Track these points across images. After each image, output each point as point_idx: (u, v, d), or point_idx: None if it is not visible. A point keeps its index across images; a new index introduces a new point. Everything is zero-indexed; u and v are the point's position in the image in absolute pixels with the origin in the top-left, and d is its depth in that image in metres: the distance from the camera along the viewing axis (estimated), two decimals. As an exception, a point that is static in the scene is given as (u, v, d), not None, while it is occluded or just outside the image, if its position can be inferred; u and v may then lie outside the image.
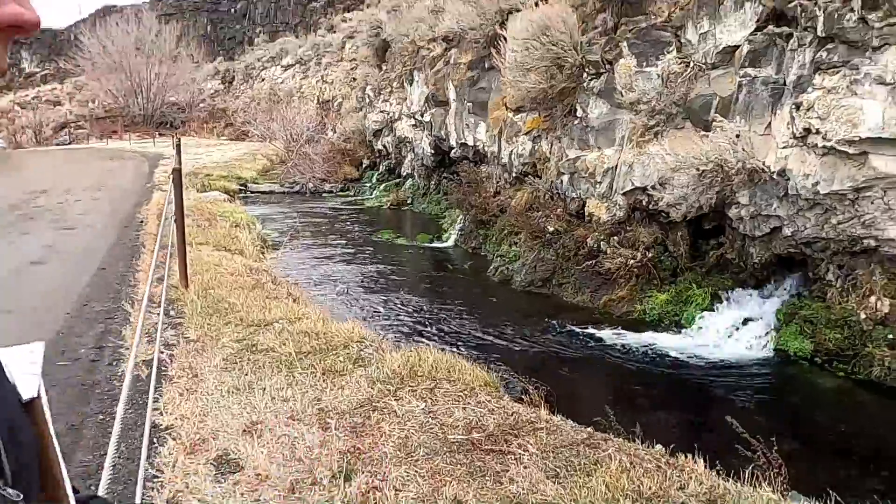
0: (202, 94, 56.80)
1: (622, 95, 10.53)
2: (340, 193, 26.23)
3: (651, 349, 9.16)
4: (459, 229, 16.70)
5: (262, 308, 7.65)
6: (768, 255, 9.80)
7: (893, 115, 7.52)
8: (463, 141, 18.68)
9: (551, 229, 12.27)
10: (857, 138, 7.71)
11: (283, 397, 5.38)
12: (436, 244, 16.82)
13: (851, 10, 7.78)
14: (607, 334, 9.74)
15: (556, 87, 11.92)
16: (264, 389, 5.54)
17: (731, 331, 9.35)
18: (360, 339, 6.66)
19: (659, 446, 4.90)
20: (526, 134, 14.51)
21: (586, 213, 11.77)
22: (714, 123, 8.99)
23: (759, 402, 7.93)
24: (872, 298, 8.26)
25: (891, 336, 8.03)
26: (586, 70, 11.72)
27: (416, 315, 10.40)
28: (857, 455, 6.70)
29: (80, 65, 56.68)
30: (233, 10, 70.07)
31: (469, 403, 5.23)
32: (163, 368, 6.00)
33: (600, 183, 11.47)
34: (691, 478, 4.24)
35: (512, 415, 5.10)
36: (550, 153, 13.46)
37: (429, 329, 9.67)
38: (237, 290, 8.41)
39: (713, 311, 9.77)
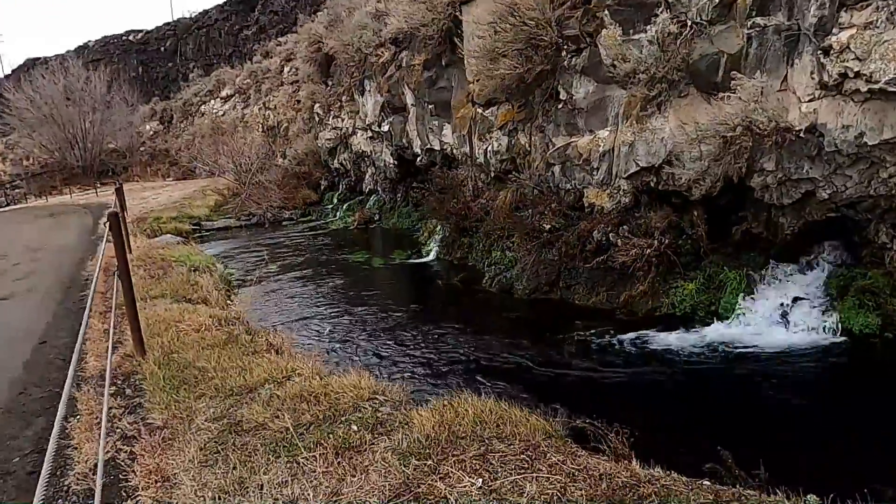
0: (141, 136, 54.54)
1: (614, 68, 9.39)
2: (302, 219, 24.67)
3: (696, 349, 7.99)
4: (440, 241, 15.40)
5: (240, 369, 6.21)
6: (801, 224, 8.75)
7: (950, 43, 6.51)
8: (429, 146, 17.41)
9: (548, 227, 11.06)
10: (910, 75, 6.67)
11: (288, 496, 3.99)
12: (416, 260, 15.48)
13: (880, -70, 6.76)
14: (638, 338, 8.55)
15: (534, 69, 10.73)
16: (261, 487, 4.13)
17: (780, 314, 8.25)
18: (371, 394, 5.29)
19: (812, 497, 3.66)
20: (500, 128, 13.32)
21: (586, 204, 10.59)
22: (733, 83, 7.88)
23: (837, 396, 6.81)
24: (942, 257, 7.23)
25: (973, 297, 7.01)
26: (565, 48, 10.57)
27: (418, 346, 9.04)
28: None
29: (8, 122, 53.81)
30: (162, 49, 67.77)
31: (540, 470, 3.92)
32: (121, 476, 4.54)
33: (597, 169, 10.31)
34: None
35: (602, 478, 3.81)
36: (531, 145, 12.28)
37: (440, 362, 8.32)
38: (207, 350, 6.93)
39: (753, 294, 8.65)
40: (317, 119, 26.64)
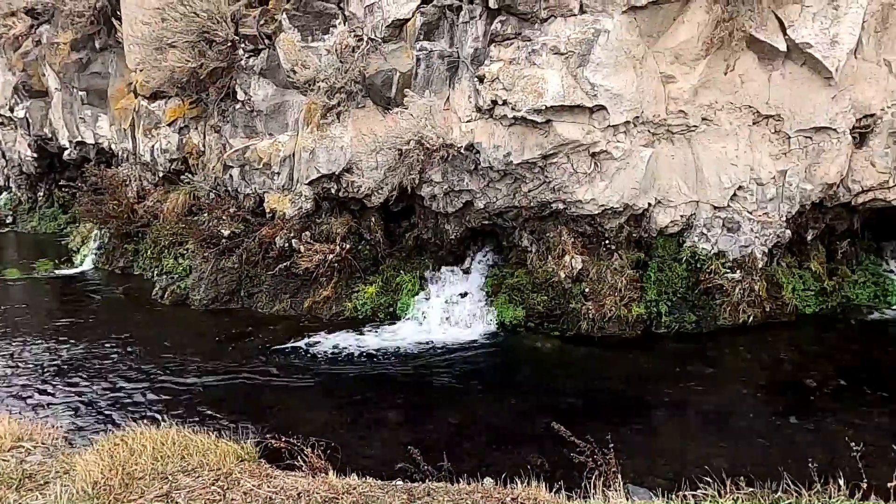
0: None
1: (294, 73, 9.33)
2: None
3: (378, 349, 8.39)
4: (97, 248, 13.52)
5: None
6: (463, 230, 9.83)
7: (570, 84, 7.94)
8: (80, 139, 15.13)
9: (227, 233, 10.51)
10: (543, 107, 7.95)
11: None
12: (66, 270, 13.34)
13: (521, -19, 7.92)
14: (324, 343, 8.64)
15: (208, 65, 10.08)
16: None
17: (447, 312, 9.13)
18: (14, 442, 4.34)
19: (488, 479, 4.08)
20: (169, 125, 12.23)
21: (267, 210, 10.33)
22: (406, 99, 8.46)
23: (493, 380, 7.80)
24: (567, 258, 8.80)
25: (588, 290, 8.67)
26: (242, 46, 10.15)
27: (78, 374, 7.76)
28: (575, 410, 6.89)
29: None
30: None
31: (234, 500, 3.66)
32: None
33: (279, 174, 10.14)
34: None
35: (301, 496, 3.72)
36: (206, 145, 11.52)
37: (107, 391, 7.24)
38: None
39: (424, 294, 9.42)
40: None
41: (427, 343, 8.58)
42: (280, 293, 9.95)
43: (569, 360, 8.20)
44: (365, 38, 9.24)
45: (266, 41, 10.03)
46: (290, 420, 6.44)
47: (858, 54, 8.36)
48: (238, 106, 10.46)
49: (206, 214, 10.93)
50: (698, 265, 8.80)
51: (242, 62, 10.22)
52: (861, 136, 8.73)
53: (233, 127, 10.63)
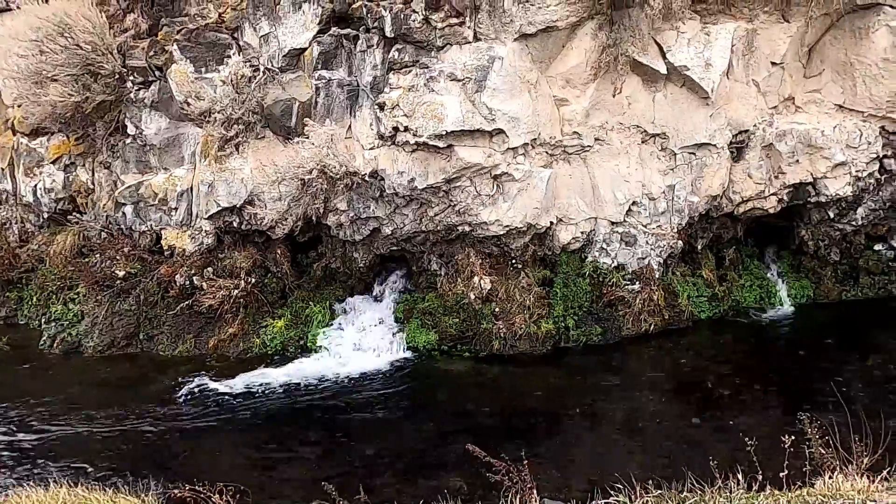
0: None
1: (188, 105, 9.05)
2: None
3: (289, 385, 8.16)
4: (-26, 298, 12.43)
5: None
6: (372, 257, 9.78)
7: (469, 109, 8.14)
8: (-50, 181, 13.98)
9: (122, 273, 9.97)
10: (444, 132, 8.10)
11: None
12: (-62, 324, 12.15)
13: (415, 11, 8.08)
14: (232, 382, 8.32)
15: (94, 99, 9.62)
16: None
17: (359, 341, 9.02)
18: None
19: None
20: (53, 163, 11.51)
21: (165, 247, 9.88)
22: (307, 129, 8.38)
23: (409, 406, 7.77)
24: (476, 279, 8.93)
25: (498, 310, 8.82)
26: (130, 79, 9.76)
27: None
28: (491, 429, 6.99)
29: None
30: None
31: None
32: None
33: (176, 209, 9.75)
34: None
35: (210, 548, 3.53)
36: (95, 182, 10.94)
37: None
38: None
39: (335, 325, 9.27)
40: None
41: (340, 374, 8.43)
42: (183, 333, 9.49)
43: (483, 380, 8.28)
44: (261, 68, 9.11)
45: (157, 73, 9.69)
46: (198, 466, 6.15)
47: (730, 76, 9.04)
48: (129, 140, 10.02)
49: (97, 255, 10.33)
50: (600, 279, 9.15)
51: (132, 95, 9.81)
52: (738, 150, 9.41)
53: (124, 162, 10.15)
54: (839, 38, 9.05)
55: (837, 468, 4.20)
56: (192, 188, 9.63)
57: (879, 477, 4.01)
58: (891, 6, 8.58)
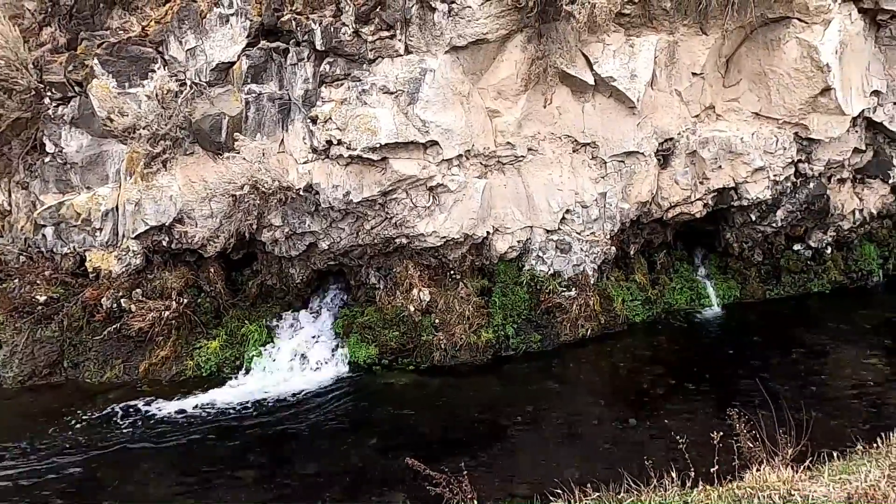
0: None
1: (111, 122, 8.72)
2: None
3: (226, 407, 7.92)
4: None
5: None
6: (309, 273, 9.64)
7: (402, 122, 8.14)
8: None
9: (43, 298, 9.48)
10: (378, 145, 8.07)
11: None
12: None
13: (345, 24, 8.05)
14: (165, 407, 8.02)
15: (9, 116, 9.16)
16: None
17: (298, 358, 8.84)
18: None
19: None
20: (-35, 183, 10.90)
21: (90, 269, 9.46)
22: (237, 143, 8.20)
23: (351, 422, 7.65)
24: (415, 291, 8.90)
25: (438, 321, 8.81)
26: (48, 95, 9.34)
27: None
28: (434, 442, 6.97)
29: None
30: None
31: None
32: None
33: (101, 230, 9.36)
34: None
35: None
36: (12, 204, 10.38)
37: None
38: None
39: (273, 343, 9.06)
40: None
41: (278, 393, 8.24)
42: (111, 359, 9.09)
43: (425, 392, 8.24)
44: (188, 83, 8.89)
45: (76, 88, 9.30)
46: (129, 496, 5.88)
47: (655, 86, 9.35)
48: (48, 159, 9.57)
49: (16, 280, 9.78)
50: (538, 286, 9.27)
51: (50, 111, 9.39)
52: (664, 157, 9.73)
53: (43, 182, 9.68)
54: (754, 50, 9.50)
55: (765, 461, 4.36)
56: (117, 207, 9.28)
57: (802, 467, 4.18)
58: (798, 19, 9.07)
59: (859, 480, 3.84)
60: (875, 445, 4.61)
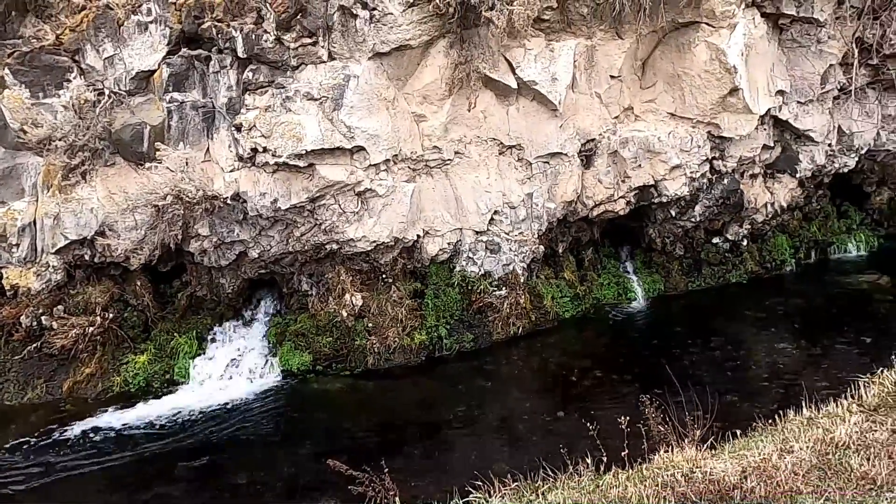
0: None
1: (25, 133, 8.44)
2: None
3: (155, 422, 7.75)
4: None
5: None
6: (240, 282, 9.54)
7: (328, 128, 8.17)
8: None
9: (-43, 319, 9.07)
10: (303, 151, 8.08)
11: None
12: None
13: (267, 31, 8.03)
14: (90, 426, 7.79)
15: (-87, 130, 8.73)
16: None
17: (231, 369, 8.74)
18: None
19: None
20: None
21: (7, 287, 9.10)
22: (159, 153, 8.06)
23: (285, 430, 7.62)
24: (347, 296, 8.93)
25: (371, 325, 8.86)
26: (-45, 106, 8.95)
27: None
28: (368, 445, 7.03)
29: None
30: None
31: None
32: None
33: (18, 245, 9.00)
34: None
35: None
36: (-79, 221, 9.91)
37: None
38: None
39: (204, 355, 8.93)
40: None
41: (211, 405, 8.13)
42: (32, 378, 8.76)
43: (359, 396, 8.28)
44: (107, 92, 8.70)
45: (-14, 99, 8.95)
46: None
47: (575, 89, 9.67)
48: (-42, 173, 9.16)
49: (-74, 301, 9.32)
50: (469, 287, 9.44)
51: (-42, 124, 9.00)
52: (587, 158, 10.07)
53: (-47, 197, 9.26)
54: (667, 53, 9.94)
55: (674, 443, 4.61)
56: (35, 222, 8.96)
57: (706, 446, 4.44)
58: (707, 24, 9.54)
59: (754, 455, 4.11)
60: (773, 423, 4.92)
